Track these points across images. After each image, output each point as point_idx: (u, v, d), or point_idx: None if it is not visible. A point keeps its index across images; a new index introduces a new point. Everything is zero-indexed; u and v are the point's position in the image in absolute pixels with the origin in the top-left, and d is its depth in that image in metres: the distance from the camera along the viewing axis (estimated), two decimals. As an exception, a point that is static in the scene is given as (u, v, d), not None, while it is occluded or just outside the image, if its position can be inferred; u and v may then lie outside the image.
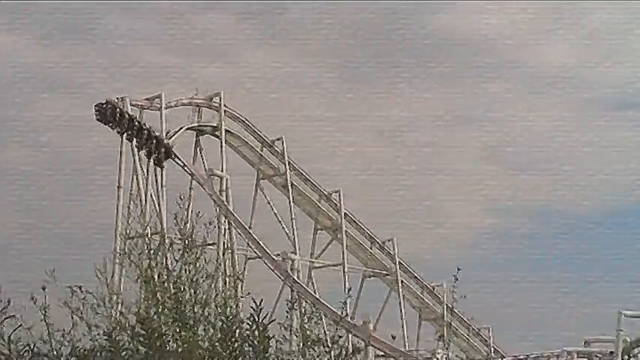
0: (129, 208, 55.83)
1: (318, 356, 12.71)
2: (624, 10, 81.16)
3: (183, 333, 12.44)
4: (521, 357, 61.52)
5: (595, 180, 78.15)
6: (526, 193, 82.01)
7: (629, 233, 75.72)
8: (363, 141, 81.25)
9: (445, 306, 60.21)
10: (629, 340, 58.13)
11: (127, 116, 57.89)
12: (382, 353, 52.04)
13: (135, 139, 57.63)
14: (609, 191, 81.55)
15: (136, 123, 57.43)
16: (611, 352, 58.23)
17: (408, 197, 75.11)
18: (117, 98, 60.33)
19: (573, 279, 68.96)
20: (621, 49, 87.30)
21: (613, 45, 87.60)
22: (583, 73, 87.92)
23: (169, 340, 12.42)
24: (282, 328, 13.32)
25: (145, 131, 57.48)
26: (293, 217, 64.03)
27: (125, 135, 57.82)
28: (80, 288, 12.56)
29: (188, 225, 13.63)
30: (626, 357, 57.92)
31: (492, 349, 64.06)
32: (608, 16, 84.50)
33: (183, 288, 12.80)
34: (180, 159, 60.00)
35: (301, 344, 12.99)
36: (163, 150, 57.76)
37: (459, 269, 14.35)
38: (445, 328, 60.46)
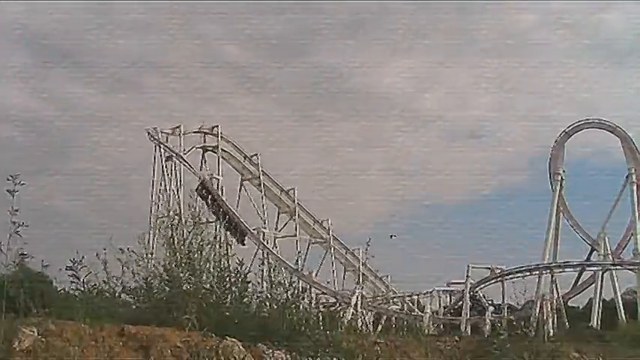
0: (159, 198, 56.18)
1: (278, 294, 12.68)
2: (469, 72, 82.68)
3: (193, 278, 12.37)
4: (408, 293, 62.03)
5: (452, 184, 79.23)
6: (410, 191, 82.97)
7: (470, 218, 77.19)
8: (311, 156, 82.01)
9: (361, 262, 60.42)
10: (474, 282, 58.88)
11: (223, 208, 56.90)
12: (321, 292, 52.22)
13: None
14: (458, 191, 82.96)
15: (229, 215, 54.03)
16: (463, 290, 58.96)
17: (340, 192, 75.63)
18: (152, 128, 60.91)
19: (441, 244, 69.64)
20: (469, 98, 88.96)
21: (463, 95, 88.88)
22: (444, 114, 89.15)
23: (184, 283, 12.35)
24: (256, 275, 13.32)
25: (231, 221, 56.38)
26: (264, 204, 64.65)
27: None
28: (128, 249, 12.48)
29: (197, 209, 13.58)
30: (471, 293, 58.62)
31: (391, 289, 64.50)
32: (463, 74, 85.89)
33: (193, 249, 12.74)
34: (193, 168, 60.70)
35: (269, 286, 12.97)
36: (240, 233, 57.70)
37: (370, 239, 14.63)
38: (360, 276, 60.85)
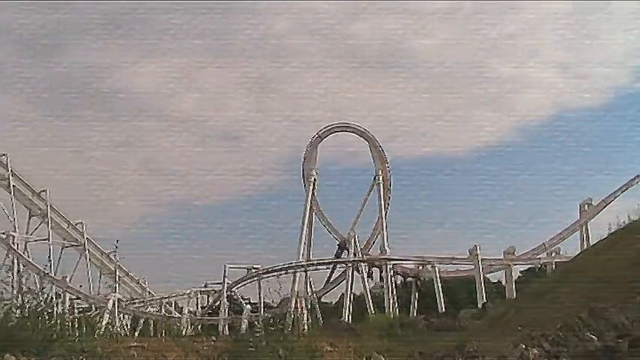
0: None
1: (28, 301, 12.17)
2: (227, 74, 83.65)
3: None
4: (166, 296, 61.60)
5: (212, 185, 79.71)
6: (169, 192, 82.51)
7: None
8: (66, 156, 79.11)
9: (116, 265, 59.25)
10: (231, 282, 59.61)
11: None
12: (76, 297, 50.77)
13: None
14: (220, 192, 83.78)
15: None
16: (220, 290, 59.56)
17: (96, 194, 73.48)
18: None
19: (202, 244, 69.73)
20: (228, 100, 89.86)
21: (222, 96, 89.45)
22: (203, 115, 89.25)
23: None
24: (4, 282, 12.72)
25: None
26: (14, 207, 61.48)
27: None
28: None
29: None
30: (229, 292, 59.37)
31: (148, 291, 63.94)
32: (220, 75, 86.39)
33: None
34: None
35: (18, 293, 12.42)
36: None
37: (117, 241, 14.67)
38: (116, 279, 59.67)
